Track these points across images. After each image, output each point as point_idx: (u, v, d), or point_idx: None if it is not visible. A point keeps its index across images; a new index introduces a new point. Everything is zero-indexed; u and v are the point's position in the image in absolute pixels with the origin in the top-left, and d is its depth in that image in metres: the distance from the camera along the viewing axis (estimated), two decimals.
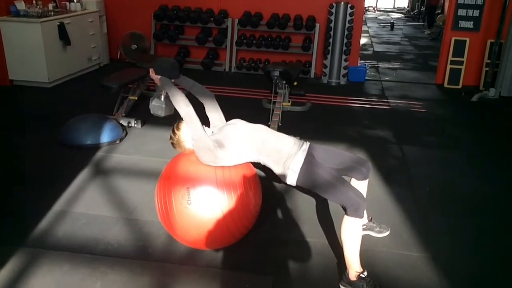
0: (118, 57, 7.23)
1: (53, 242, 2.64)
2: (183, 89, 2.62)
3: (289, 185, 2.51)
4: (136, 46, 6.98)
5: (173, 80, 2.61)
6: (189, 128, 2.44)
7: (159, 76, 2.58)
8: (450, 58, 6.47)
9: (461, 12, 6.34)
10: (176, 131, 2.56)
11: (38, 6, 5.70)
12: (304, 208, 3.11)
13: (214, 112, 2.70)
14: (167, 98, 2.58)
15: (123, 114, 4.61)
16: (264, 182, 2.78)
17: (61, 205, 3.04)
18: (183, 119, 2.45)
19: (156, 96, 2.64)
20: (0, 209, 3.00)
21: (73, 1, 6.46)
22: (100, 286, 2.29)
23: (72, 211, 2.98)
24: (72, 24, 6.03)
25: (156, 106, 2.62)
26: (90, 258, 2.50)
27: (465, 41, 6.37)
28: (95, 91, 5.56)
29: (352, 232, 2.29)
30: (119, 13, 7.18)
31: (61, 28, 5.81)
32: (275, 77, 4.50)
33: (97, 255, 2.53)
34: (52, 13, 5.92)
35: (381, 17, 16.98)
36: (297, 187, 2.54)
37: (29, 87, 5.74)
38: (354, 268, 2.29)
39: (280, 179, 2.49)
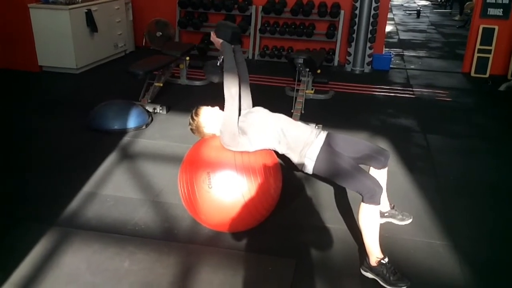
0: (143, 44, 7.34)
1: (83, 222, 2.75)
2: None
3: (307, 174, 2.55)
4: (161, 33, 7.08)
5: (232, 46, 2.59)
6: (225, 109, 2.47)
7: (220, 40, 2.58)
8: (477, 46, 6.34)
9: None
10: (194, 117, 2.61)
11: None
12: (323, 196, 3.15)
13: (245, 97, 2.70)
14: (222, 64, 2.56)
15: (149, 100, 4.69)
16: (284, 171, 2.82)
17: (90, 187, 3.15)
18: (225, 98, 2.46)
19: (213, 62, 2.63)
20: (33, 190, 3.12)
21: None
22: (129, 265, 2.38)
23: (101, 193, 3.08)
24: (99, 11, 6.13)
25: (213, 71, 2.62)
26: (119, 238, 2.59)
27: (493, 29, 6.23)
28: (121, 77, 5.68)
29: (370, 219, 2.31)
30: (144, 0, 7.25)
31: (89, 15, 5.91)
32: (299, 65, 4.50)
33: (125, 235, 2.63)
34: (80, 0, 6.02)
35: (407, 4, 16.64)
36: (315, 175, 2.57)
37: (58, 73, 5.89)
38: (374, 254, 2.32)
39: (298, 168, 2.54)
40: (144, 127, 4.21)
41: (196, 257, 2.49)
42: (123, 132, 4.08)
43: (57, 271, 2.32)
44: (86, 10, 5.88)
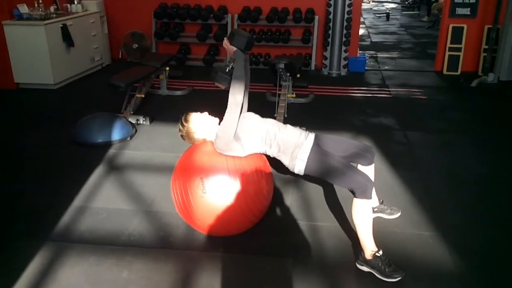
0: (120, 57, 7.31)
1: (77, 236, 2.74)
2: None
3: (297, 175, 2.62)
4: (137, 45, 7.07)
5: None
6: (227, 115, 2.51)
7: (234, 48, 2.63)
8: (448, 45, 6.56)
9: None
10: (184, 123, 2.65)
11: (40, 9, 5.75)
12: (313, 195, 3.22)
13: (244, 104, 2.72)
14: (232, 71, 2.60)
15: (131, 112, 4.69)
16: (274, 173, 2.87)
17: (80, 201, 3.13)
18: (229, 104, 2.50)
19: (221, 67, 2.68)
20: (23, 207, 3.09)
21: (74, 3, 6.52)
22: (127, 275, 2.38)
23: (92, 206, 3.07)
24: (74, 26, 6.09)
25: (222, 77, 2.66)
26: (115, 249, 2.59)
27: (462, 27, 6.46)
28: (100, 91, 5.69)
29: (363, 213, 2.39)
30: (119, 13, 7.24)
31: (64, 30, 5.87)
32: (280, 69, 4.58)
33: (121, 246, 2.63)
34: (54, 15, 5.98)
35: (376, 8, 17.04)
36: (305, 176, 2.66)
37: (35, 89, 5.80)
38: (369, 247, 2.39)
39: (289, 169, 2.61)
40: (128, 138, 4.21)
41: (194, 263, 2.51)
42: (108, 144, 4.06)
43: (56, 286, 2.30)
44: (61, 25, 5.84)
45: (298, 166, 2.52)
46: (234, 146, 2.54)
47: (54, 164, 3.75)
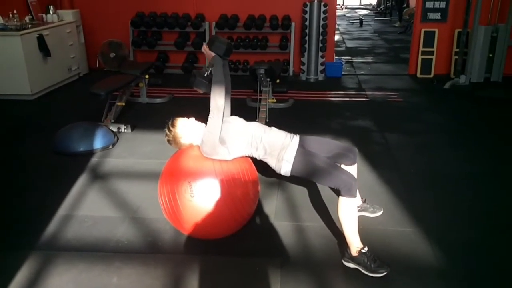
0: (97, 66, 7.27)
1: (64, 244, 2.72)
2: None
3: (283, 177, 2.69)
4: (114, 54, 7.04)
5: None
6: (210, 120, 2.55)
7: (213, 54, 2.69)
8: (421, 49, 6.77)
9: (429, 4, 6.65)
10: (171, 128, 2.69)
11: (15, 19, 5.69)
12: (298, 197, 3.28)
13: (226, 108, 2.78)
14: (211, 76, 2.65)
15: (112, 120, 4.67)
16: (259, 176, 2.93)
17: (65, 210, 3.11)
18: (211, 109, 2.54)
19: (200, 72, 2.75)
20: (6, 218, 3.05)
21: (49, 13, 6.47)
22: (117, 280, 2.39)
23: (77, 214, 3.06)
24: (50, 36, 6.04)
25: (201, 82, 2.73)
26: (103, 256, 2.59)
27: (434, 32, 6.68)
28: (78, 100, 5.67)
29: (348, 211, 2.46)
30: (95, 22, 7.22)
31: (41, 40, 5.82)
32: (261, 75, 4.66)
33: (109, 252, 2.63)
34: (30, 25, 5.92)
35: (349, 14, 17.38)
36: (290, 178, 2.73)
37: (12, 100, 5.71)
38: (354, 244, 2.46)
39: (275, 171, 2.67)
40: (111, 147, 4.19)
41: (184, 266, 2.53)
42: (90, 153, 4.04)
43: None
44: (37, 35, 5.78)
45: (285, 167, 2.59)
46: (220, 150, 2.58)
47: (36, 174, 3.71)
